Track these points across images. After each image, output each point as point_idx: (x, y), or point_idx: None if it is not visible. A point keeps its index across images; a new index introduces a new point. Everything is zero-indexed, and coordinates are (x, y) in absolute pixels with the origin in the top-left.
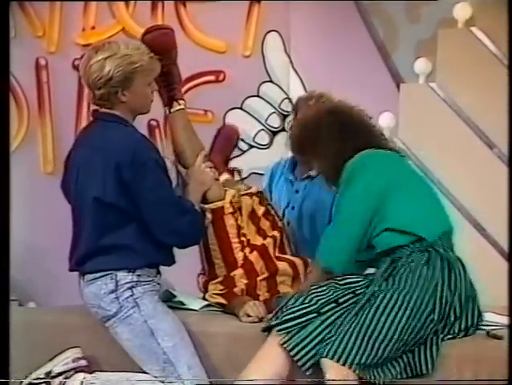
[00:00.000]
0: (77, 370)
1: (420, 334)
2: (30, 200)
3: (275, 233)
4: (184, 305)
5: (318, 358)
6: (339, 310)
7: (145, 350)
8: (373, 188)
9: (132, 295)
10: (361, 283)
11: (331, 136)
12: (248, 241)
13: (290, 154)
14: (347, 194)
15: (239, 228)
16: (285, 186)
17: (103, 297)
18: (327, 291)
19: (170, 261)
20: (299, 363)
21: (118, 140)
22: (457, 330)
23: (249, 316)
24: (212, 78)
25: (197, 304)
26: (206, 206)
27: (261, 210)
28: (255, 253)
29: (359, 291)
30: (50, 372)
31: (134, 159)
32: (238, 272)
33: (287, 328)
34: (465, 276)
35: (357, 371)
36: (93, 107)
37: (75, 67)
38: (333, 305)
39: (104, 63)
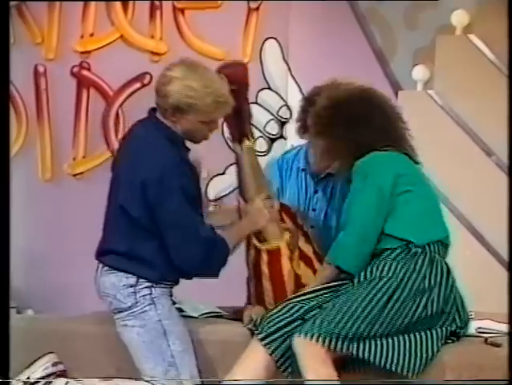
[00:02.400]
0: (57, 374)
1: (396, 322)
2: (28, 207)
3: None
4: (183, 312)
5: None
6: None
7: (153, 348)
8: (385, 192)
9: (150, 294)
10: (348, 284)
11: (358, 120)
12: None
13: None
14: (359, 197)
15: (297, 276)
16: (300, 180)
17: (121, 289)
18: (312, 297)
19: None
20: (286, 373)
21: (150, 155)
22: (440, 327)
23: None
24: None
25: (196, 311)
26: (263, 247)
27: (310, 250)
28: None
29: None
30: (27, 379)
31: (160, 180)
32: None
33: (272, 340)
34: (449, 277)
35: (326, 344)
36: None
37: (74, 74)
38: (317, 310)
39: (170, 81)
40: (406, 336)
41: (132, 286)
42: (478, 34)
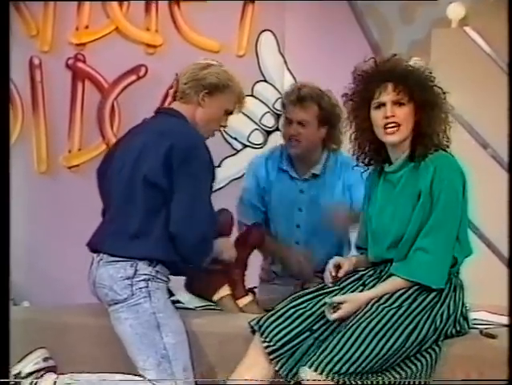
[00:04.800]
0: (47, 369)
1: (407, 353)
2: (23, 200)
3: None
4: (181, 303)
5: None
6: (332, 324)
7: (146, 340)
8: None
9: (146, 286)
10: (356, 285)
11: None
12: None
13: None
14: (455, 217)
15: None
16: (283, 182)
17: (118, 280)
18: (319, 301)
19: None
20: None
21: (179, 127)
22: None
23: None
24: None
25: (193, 303)
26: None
27: None
28: None
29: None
30: (19, 373)
31: (188, 148)
32: None
33: (280, 355)
34: (462, 301)
35: (335, 380)
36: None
37: (69, 66)
38: (325, 319)
39: (208, 65)
40: (416, 358)
41: (129, 278)
42: (474, 26)
